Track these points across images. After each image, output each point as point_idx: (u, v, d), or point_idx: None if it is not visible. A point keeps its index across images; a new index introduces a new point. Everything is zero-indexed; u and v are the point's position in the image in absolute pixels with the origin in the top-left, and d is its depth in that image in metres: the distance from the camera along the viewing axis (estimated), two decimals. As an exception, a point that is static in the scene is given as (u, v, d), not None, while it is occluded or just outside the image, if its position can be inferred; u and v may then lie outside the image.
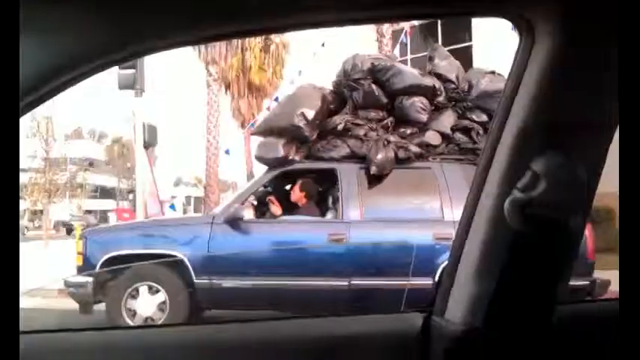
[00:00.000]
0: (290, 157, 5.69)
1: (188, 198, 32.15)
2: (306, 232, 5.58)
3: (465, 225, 1.09)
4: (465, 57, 11.16)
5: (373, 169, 5.47)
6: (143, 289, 5.44)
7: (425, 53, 6.99)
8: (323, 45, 13.34)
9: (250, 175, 24.98)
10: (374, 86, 5.93)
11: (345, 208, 5.43)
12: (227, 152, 13.41)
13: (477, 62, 11.45)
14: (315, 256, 5.45)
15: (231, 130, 25.27)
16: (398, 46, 13.26)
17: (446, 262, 5.76)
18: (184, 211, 27.18)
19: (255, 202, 5.86)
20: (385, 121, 5.92)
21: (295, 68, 15.70)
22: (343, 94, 6.18)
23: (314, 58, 13.57)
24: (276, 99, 14.53)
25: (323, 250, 5.47)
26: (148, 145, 11.23)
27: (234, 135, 25.25)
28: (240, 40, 20.96)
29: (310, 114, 5.70)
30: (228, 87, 23.46)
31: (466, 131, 5.77)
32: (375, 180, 5.56)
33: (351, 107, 6.08)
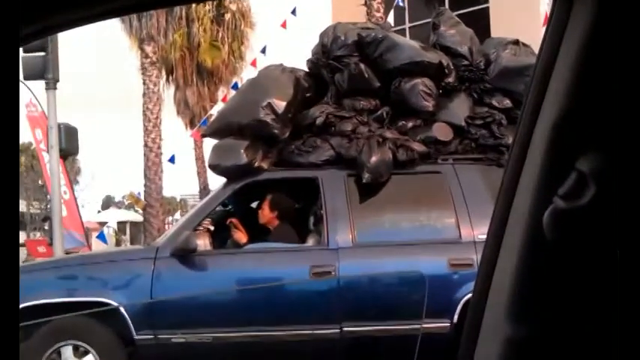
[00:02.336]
0: (255, 165, 5.68)
1: (122, 224, 31.93)
2: (282, 264, 5.58)
3: (492, 247, 1.08)
4: (480, 23, 11.28)
5: (366, 177, 5.49)
6: (66, 350, 5.39)
7: (428, 20, 7.03)
8: (294, 12, 13.38)
9: (204, 190, 24.86)
10: (362, 65, 5.95)
11: (332, 231, 5.44)
12: (172, 160, 13.33)
13: (496, 30, 11.57)
14: (295, 297, 5.46)
15: (176, 130, 25.24)
16: (392, 11, 13.36)
17: (468, 297, 5.79)
18: (117, 242, 26.99)
19: (212, 227, 5.83)
20: (379, 112, 5.95)
21: (259, 44, 15.73)
22: (322, 78, 6.20)
23: (283, 31, 13.60)
24: (235, 86, 14.54)
25: (305, 288, 5.48)
26: (67, 153, 11.16)
27: (181, 136, 25.23)
28: (183, 8, 20.94)
29: (280, 105, 5.71)
30: (170, 72, 23.44)
31: (485, 122, 5.81)
32: (368, 191, 5.58)
33: (334, 94, 6.10)
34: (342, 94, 6.07)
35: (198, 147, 24.63)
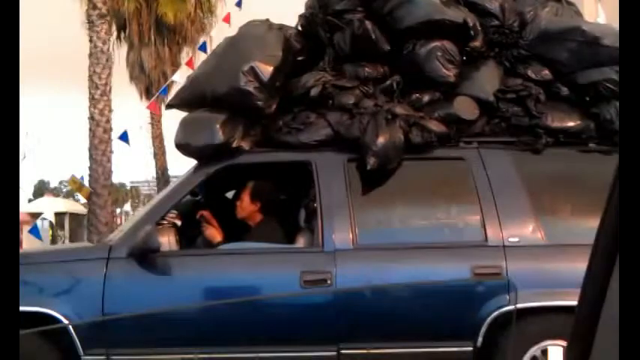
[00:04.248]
0: (234, 144, 5.68)
1: (60, 215, 31.82)
2: (265, 269, 5.55)
3: (599, 272, 1.04)
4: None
5: (371, 162, 5.48)
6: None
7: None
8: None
9: (163, 176, 24.82)
10: (368, 23, 5.96)
11: (327, 229, 5.43)
12: (124, 138, 13.31)
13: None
14: (282, 310, 5.44)
15: (130, 100, 25.16)
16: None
17: (495, 315, 5.84)
18: (54, 239, 26.91)
19: (179, 222, 5.83)
20: (388, 82, 5.97)
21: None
22: (318, 38, 6.21)
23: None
24: (203, 48, 14.50)
25: (294, 301, 5.45)
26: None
27: (136, 108, 25.16)
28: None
29: (265, 71, 5.70)
30: (122, 27, 23.32)
31: (519, 97, 5.81)
32: (374, 179, 5.59)
33: (332, 59, 6.12)
34: (342, 59, 6.08)
35: (156, 122, 24.58)
